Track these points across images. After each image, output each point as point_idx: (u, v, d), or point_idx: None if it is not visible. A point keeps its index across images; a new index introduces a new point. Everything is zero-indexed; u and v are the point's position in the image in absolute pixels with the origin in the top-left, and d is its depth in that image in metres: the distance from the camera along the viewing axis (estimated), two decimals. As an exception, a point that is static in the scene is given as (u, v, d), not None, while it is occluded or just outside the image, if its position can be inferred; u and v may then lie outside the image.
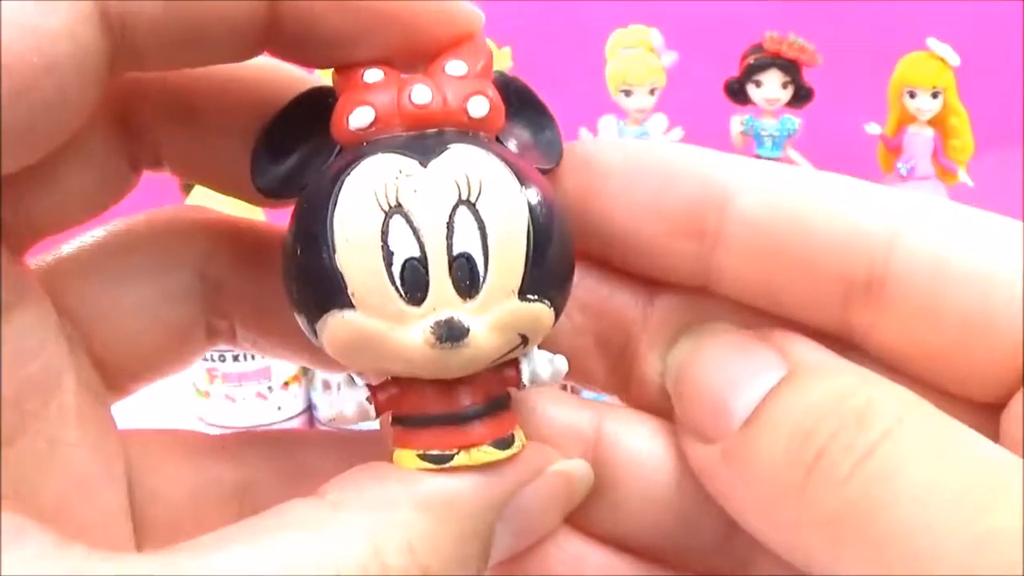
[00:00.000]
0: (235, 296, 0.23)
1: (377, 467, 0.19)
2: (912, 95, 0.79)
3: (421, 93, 0.18)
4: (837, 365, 0.19)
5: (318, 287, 0.17)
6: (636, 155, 0.21)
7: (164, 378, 0.23)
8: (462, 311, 0.17)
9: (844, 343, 0.20)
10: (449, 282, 0.17)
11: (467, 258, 0.17)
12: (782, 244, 0.19)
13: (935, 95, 0.79)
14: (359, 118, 0.18)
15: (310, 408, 0.81)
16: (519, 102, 0.20)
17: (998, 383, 0.18)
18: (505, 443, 0.19)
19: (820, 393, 0.18)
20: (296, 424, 0.80)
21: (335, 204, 0.17)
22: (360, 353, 0.18)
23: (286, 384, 0.78)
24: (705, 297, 0.21)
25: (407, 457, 0.19)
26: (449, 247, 0.17)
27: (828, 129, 0.81)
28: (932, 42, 0.78)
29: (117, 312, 0.22)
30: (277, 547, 0.17)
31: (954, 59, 0.78)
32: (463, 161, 0.18)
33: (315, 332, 0.18)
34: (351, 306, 0.17)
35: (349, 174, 0.18)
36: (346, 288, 0.17)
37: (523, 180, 0.18)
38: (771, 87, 0.80)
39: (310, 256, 0.17)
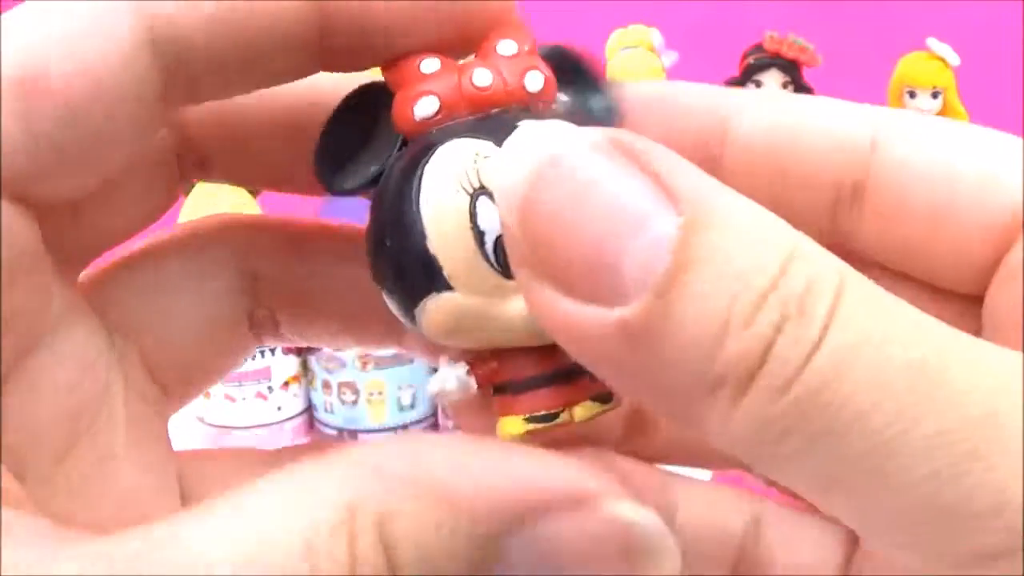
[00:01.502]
0: (276, 288, 0.23)
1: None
2: (912, 95, 0.79)
3: (482, 76, 0.19)
4: (746, 214, 0.15)
5: (414, 274, 0.18)
6: (643, 96, 0.21)
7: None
8: None
9: (832, 247, 0.19)
10: None
11: None
12: (777, 161, 0.20)
13: (935, 95, 0.79)
14: (424, 108, 0.18)
15: (310, 408, 0.81)
16: (570, 70, 0.20)
17: (972, 271, 0.19)
18: (606, 396, 0.19)
19: (745, 264, 0.14)
20: (296, 424, 0.80)
21: (419, 192, 0.18)
22: (462, 331, 0.18)
23: (286, 384, 0.78)
24: None
25: (513, 424, 0.19)
26: None
27: (828, 129, 0.81)
28: (932, 42, 0.78)
29: (164, 319, 0.22)
30: (250, 503, 0.16)
31: (954, 59, 0.78)
32: None
33: (413, 318, 0.18)
34: (449, 288, 0.18)
35: (428, 162, 0.18)
36: (442, 271, 0.18)
37: None
38: (771, 87, 0.80)
39: (403, 246, 0.18)
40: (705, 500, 0.22)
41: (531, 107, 0.19)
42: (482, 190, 0.18)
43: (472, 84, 0.18)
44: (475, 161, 0.18)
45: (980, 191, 0.19)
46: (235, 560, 0.15)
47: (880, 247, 0.20)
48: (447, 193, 0.18)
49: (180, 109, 0.20)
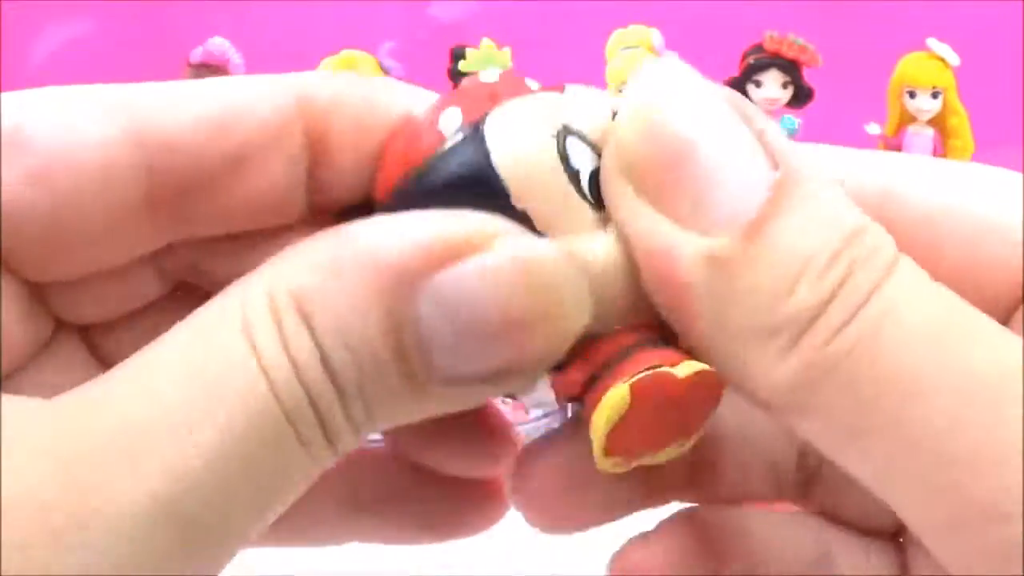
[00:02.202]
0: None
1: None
2: (912, 95, 0.79)
3: (490, 74, 0.19)
4: (828, 187, 0.17)
5: None
6: None
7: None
8: None
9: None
10: None
11: None
12: None
13: (935, 95, 0.79)
14: (449, 119, 0.18)
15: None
16: None
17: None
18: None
19: (826, 223, 0.16)
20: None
21: (489, 155, 0.17)
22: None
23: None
24: None
25: (618, 394, 0.17)
26: None
27: (828, 129, 0.81)
28: (932, 42, 0.78)
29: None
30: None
31: (954, 59, 0.78)
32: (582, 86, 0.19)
33: None
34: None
35: (489, 124, 0.17)
36: (534, 226, 0.17)
37: None
38: (771, 87, 0.80)
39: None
40: (780, 525, 0.22)
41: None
42: (567, 130, 0.17)
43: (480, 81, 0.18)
44: (549, 107, 0.17)
45: (990, 235, 0.18)
46: (183, 371, 0.15)
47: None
48: (531, 143, 0.17)
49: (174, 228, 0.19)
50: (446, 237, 0.16)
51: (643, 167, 0.17)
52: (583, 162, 0.17)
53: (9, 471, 0.14)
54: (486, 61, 0.80)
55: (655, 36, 0.80)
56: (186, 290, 0.20)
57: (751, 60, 0.80)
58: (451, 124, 0.17)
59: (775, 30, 0.80)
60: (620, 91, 0.78)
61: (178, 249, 0.19)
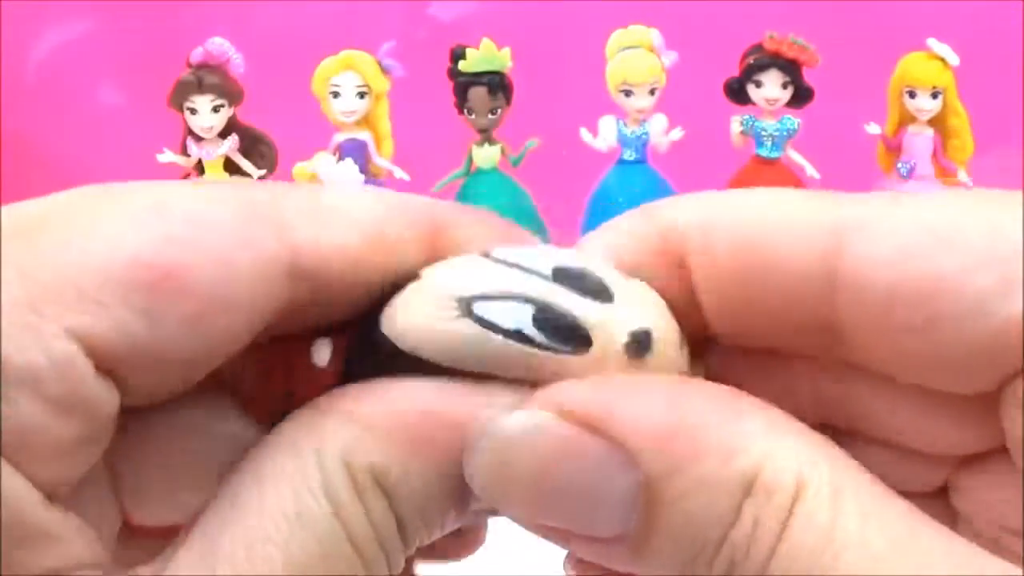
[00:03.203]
0: None
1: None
2: (912, 95, 0.79)
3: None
4: (701, 456, 0.16)
5: None
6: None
7: None
8: None
9: (838, 365, 0.20)
10: None
11: None
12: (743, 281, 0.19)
13: (935, 95, 0.79)
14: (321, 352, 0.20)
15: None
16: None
17: (982, 368, 0.17)
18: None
19: (700, 521, 0.16)
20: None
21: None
22: None
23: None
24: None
25: None
26: None
27: (828, 129, 0.81)
28: (932, 42, 0.78)
29: None
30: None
31: (954, 59, 0.78)
32: None
33: None
34: None
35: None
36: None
37: None
38: (771, 87, 0.80)
39: None
40: None
41: None
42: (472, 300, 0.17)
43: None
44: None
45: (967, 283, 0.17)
46: (286, 558, 0.16)
47: (870, 359, 0.19)
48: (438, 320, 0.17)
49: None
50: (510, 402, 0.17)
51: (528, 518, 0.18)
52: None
53: None
54: (486, 61, 0.80)
55: (655, 36, 0.80)
56: None
57: (751, 60, 0.80)
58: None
59: (775, 30, 0.80)
60: (620, 91, 0.77)
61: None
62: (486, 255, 0.18)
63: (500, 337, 0.17)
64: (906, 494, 0.19)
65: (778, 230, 0.18)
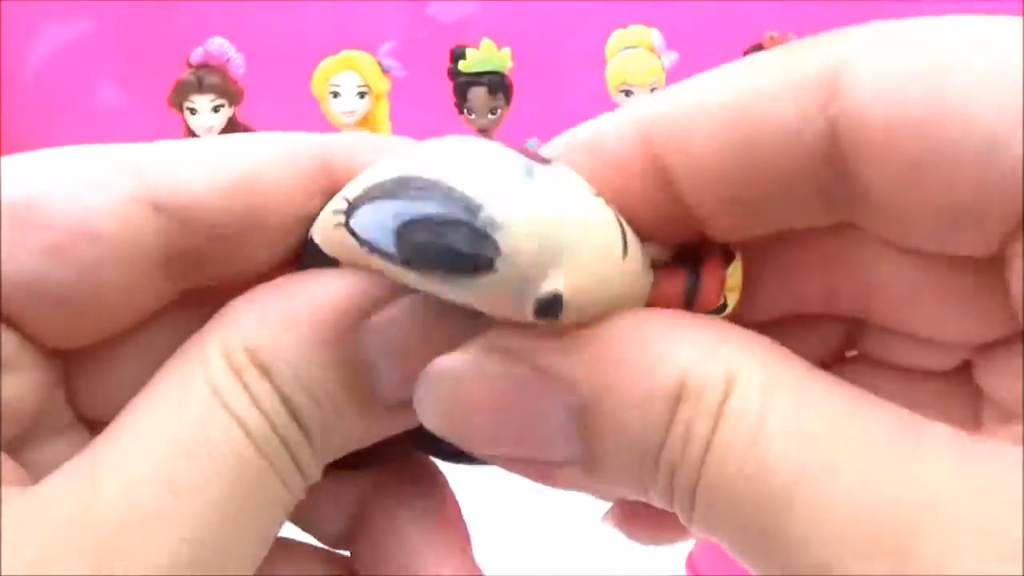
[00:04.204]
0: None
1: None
2: (912, 95, 0.79)
3: None
4: (630, 371, 0.17)
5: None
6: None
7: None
8: None
9: (848, 243, 0.19)
10: None
11: None
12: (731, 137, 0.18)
13: (935, 95, 0.79)
14: None
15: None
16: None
17: (983, 229, 0.16)
18: (727, 252, 0.19)
19: (636, 433, 0.17)
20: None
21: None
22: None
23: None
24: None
25: None
26: None
27: (828, 129, 0.81)
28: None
29: None
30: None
31: (954, 59, 0.78)
32: None
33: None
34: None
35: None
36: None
37: None
38: (771, 87, 0.80)
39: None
40: None
41: None
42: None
43: None
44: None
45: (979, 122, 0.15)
46: (166, 450, 0.17)
47: (881, 217, 0.17)
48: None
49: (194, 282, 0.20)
50: (381, 285, 0.17)
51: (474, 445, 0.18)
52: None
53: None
54: (486, 61, 0.80)
55: (655, 36, 0.80)
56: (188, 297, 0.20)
57: (751, 60, 0.80)
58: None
59: (775, 30, 0.80)
60: (620, 91, 0.77)
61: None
62: (348, 226, 0.17)
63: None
64: (927, 374, 0.19)
65: (766, 88, 0.17)
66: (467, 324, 0.17)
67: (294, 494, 0.18)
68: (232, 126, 0.78)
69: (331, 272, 0.18)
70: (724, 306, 0.19)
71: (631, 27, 0.81)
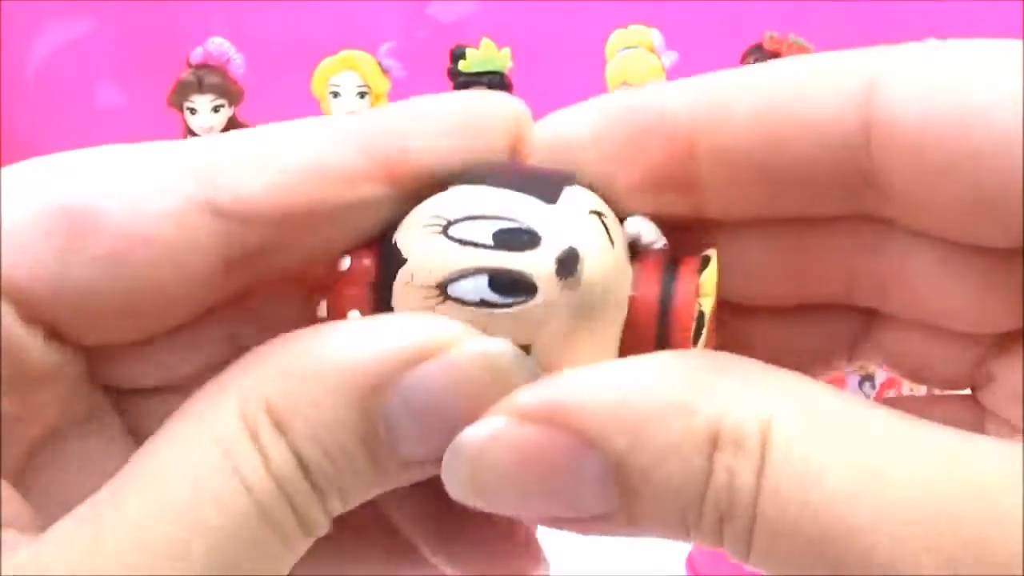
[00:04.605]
0: None
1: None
2: (912, 95, 0.79)
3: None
4: (663, 423, 0.17)
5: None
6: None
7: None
8: None
9: (868, 229, 0.19)
10: None
11: None
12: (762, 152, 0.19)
13: (935, 95, 0.79)
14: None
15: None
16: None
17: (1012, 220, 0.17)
18: (705, 260, 0.20)
19: (677, 484, 0.17)
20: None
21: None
22: None
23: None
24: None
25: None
26: None
27: (828, 129, 0.81)
28: (932, 42, 0.78)
29: None
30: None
31: (954, 59, 0.78)
32: None
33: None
34: None
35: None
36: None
37: None
38: (771, 87, 0.80)
39: None
40: None
41: None
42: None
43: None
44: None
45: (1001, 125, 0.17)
46: (168, 500, 0.16)
47: (911, 211, 0.18)
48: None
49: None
50: (414, 342, 0.18)
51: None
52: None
53: None
54: (486, 61, 0.80)
55: (655, 36, 0.80)
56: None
57: (751, 60, 0.80)
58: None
59: (775, 30, 0.80)
60: (620, 91, 0.78)
61: (243, 310, 0.20)
62: (446, 233, 0.19)
63: (471, 308, 0.19)
64: (935, 400, 0.19)
65: (807, 84, 0.18)
66: (495, 386, 0.18)
67: (296, 552, 0.17)
68: (232, 126, 0.78)
69: (364, 325, 0.18)
70: (701, 318, 0.19)
71: (631, 27, 0.81)
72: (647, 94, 0.20)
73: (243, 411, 0.17)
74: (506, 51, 0.80)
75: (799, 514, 0.16)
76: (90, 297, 0.17)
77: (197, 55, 0.77)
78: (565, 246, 0.19)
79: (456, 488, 0.18)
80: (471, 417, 0.18)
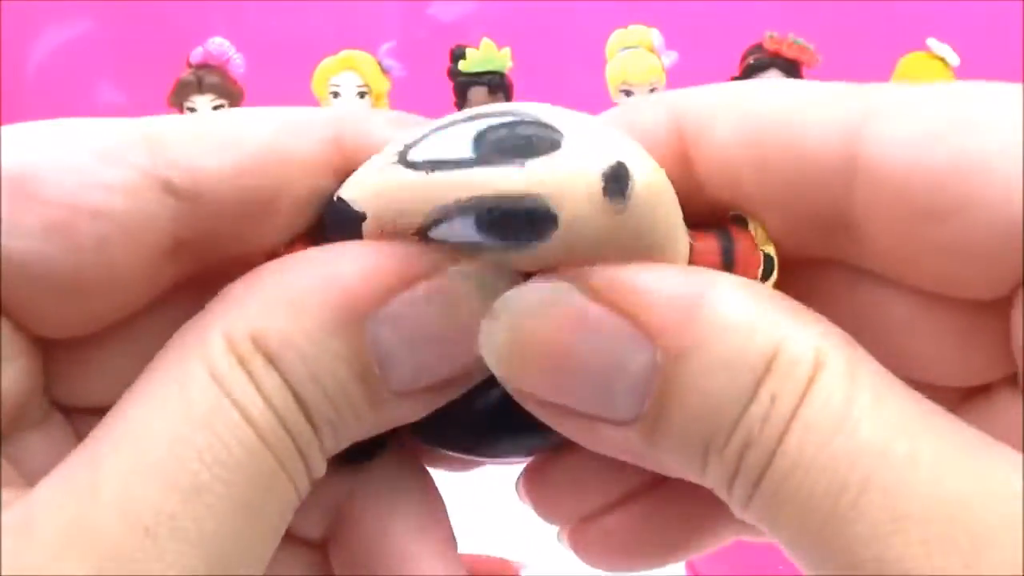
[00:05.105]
0: None
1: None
2: (912, 95, 0.79)
3: None
4: (720, 335, 0.16)
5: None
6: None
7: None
8: None
9: (844, 275, 0.19)
10: None
11: None
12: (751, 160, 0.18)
13: (935, 95, 0.79)
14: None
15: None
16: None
17: (991, 270, 0.16)
18: None
19: (717, 399, 0.16)
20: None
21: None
22: None
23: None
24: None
25: None
26: None
27: (828, 129, 0.81)
28: (932, 42, 0.78)
29: None
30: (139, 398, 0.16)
31: (954, 59, 0.78)
32: None
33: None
34: None
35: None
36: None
37: None
38: (771, 87, 0.80)
39: None
40: None
41: None
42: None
43: None
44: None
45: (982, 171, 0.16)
46: (169, 443, 0.15)
47: (889, 259, 0.18)
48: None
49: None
50: (400, 265, 0.17)
51: (539, 390, 0.17)
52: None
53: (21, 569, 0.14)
54: (486, 61, 0.80)
55: (655, 36, 0.80)
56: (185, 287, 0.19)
57: (751, 60, 0.80)
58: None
59: (775, 30, 0.80)
60: (620, 91, 0.77)
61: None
62: (404, 160, 0.15)
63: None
64: None
65: (796, 112, 0.17)
66: (486, 309, 0.16)
67: (301, 491, 0.17)
68: (232, 126, 0.78)
69: (344, 249, 0.17)
70: (770, 260, 0.18)
71: (631, 27, 0.81)
72: (628, 106, 0.20)
73: (231, 344, 0.16)
74: (506, 51, 0.80)
75: (818, 456, 0.15)
76: (35, 270, 0.16)
77: (197, 55, 0.77)
78: (610, 156, 0.13)
79: (491, 351, 0.17)
80: (463, 344, 0.17)
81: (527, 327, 0.16)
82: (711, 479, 0.16)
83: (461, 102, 0.81)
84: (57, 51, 0.99)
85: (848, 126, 0.17)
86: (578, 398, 0.17)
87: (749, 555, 0.51)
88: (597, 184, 0.13)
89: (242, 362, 0.16)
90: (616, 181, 0.13)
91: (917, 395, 0.16)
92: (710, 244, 0.18)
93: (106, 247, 0.16)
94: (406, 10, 0.99)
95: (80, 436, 0.17)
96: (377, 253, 0.17)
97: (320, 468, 0.17)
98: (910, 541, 0.14)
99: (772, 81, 0.19)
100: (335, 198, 0.17)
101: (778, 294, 0.17)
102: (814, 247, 0.18)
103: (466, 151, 0.14)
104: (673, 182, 0.17)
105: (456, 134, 0.14)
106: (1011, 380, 0.18)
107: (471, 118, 0.14)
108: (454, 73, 0.81)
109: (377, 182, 0.15)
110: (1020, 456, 0.15)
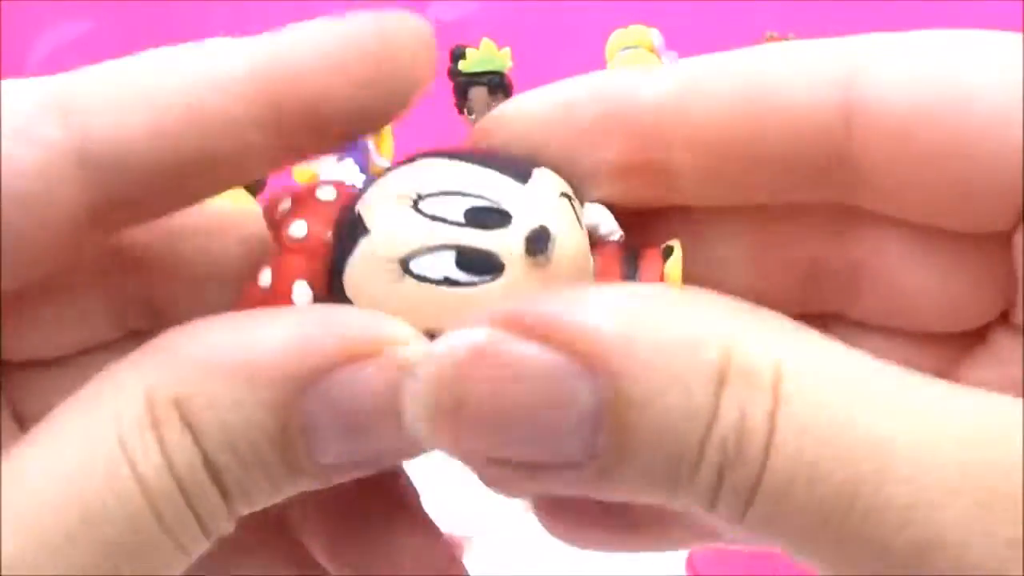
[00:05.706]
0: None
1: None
2: (912, 95, 0.79)
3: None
4: (664, 350, 0.15)
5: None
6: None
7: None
8: None
9: (839, 217, 0.19)
10: None
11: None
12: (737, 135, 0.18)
13: (935, 95, 0.79)
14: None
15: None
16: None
17: (995, 204, 0.16)
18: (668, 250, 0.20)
19: (676, 418, 0.15)
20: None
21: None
22: None
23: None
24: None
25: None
26: None
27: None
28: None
29: None
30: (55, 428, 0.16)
31: (954, 59, 0.78)
32: None
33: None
34: None
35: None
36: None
37: None
38: (771, 87, 0.80)
39: None
40: None
41: None
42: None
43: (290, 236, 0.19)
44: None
45: (993, 109, 0.16)
46: (58, 485, 0.15)
47: (889, 198, 0.17)
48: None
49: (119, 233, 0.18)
50: (337, 344, 0.16)
51: (474, 446, 0.16)
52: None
53: None
54: (486, 61, 0.80)
55: (655, 36, 0.80)
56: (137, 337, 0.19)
57: (751, 60, 0.80)
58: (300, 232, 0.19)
59: (775, 30, 0.80)
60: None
61: (132, 287, 0.19)
62: (416, 207, 0.18)
63: (432, 285, 0.18)
64: None
65: (787, 70, 0.17)
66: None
67: (192, 555, 0.16)
68: (232, 126, 0.78)
69: (286, 317, 0.16)
70: (669, 248, 0.19)
71: (631, 27, 0.81)
72: (617, 78, 0.19)
73: (149, 400, 0.15)
74: (506, 51, 0.80)
75: (818, 455, 0.14)
76: None
77: (197, 55, 0.77)
78: (536, 224, 0.18)
79: (417, 414, 0.15)
80: (395, 422, 0.16)
81: (455, 384, 0.15)
82: (683, 503, 0.15)
83: (461, 102, 0.81)
84: (57, 51, 0.99)
85: (840, 76, 0.17)
86: (524, 449, 0.15)
87: (749, 555, 0.51)
88: (522, 246, 0.18)
89: (156, 425, 0.15)
90: (535, 243, 0.18)
91: (893, 368, 0.15)
92: (613, 268, 0.19)
93: (12, 227, 0.16)
94: (406, 10, 0.99)
95: (11, 395, 0.18)
96: (323, 325, 0.16)
97: (225, 529, 0.16)
98: (946, 517, 0.14)
99: (758, 47, 0.18)
100: (356, 212, 0.19)
101: (717, 297, 0.16)
102: (807, 193, 0.18)
103: (459, 216, 0.18)
104: (639, 170, 0.19)
105: (454, 204, 0.19)
106: (1006, 323, 0.17)
107: (464, 195, 0.19)
108: (454, 73, 0.81)
109: (390, 212, 0.19)
110: (1020, 405, 0.15)
